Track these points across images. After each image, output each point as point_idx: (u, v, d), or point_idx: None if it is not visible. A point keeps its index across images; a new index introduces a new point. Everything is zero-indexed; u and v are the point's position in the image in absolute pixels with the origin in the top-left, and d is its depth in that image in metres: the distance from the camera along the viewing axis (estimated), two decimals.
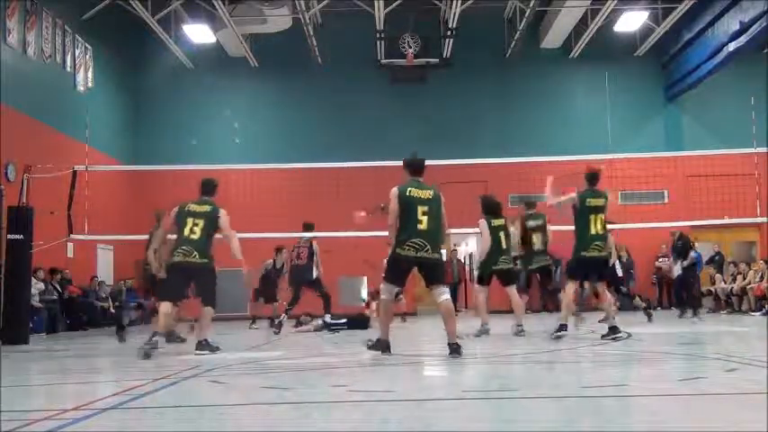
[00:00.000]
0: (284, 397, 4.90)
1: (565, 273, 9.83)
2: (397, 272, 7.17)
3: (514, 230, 10.69)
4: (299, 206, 17.10)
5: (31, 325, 12.01)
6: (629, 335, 9.35)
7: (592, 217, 8.53)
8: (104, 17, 18.20)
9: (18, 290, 11.11)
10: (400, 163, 12.96)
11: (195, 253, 7.86)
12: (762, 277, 15.58)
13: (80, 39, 17.70)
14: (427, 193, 7.04)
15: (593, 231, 8.49)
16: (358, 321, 12.65)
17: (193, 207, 8.16)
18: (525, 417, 4.02)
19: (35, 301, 13.30)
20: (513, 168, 17.09)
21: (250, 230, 13.17)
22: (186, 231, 8.04)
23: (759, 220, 14.20)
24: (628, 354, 7.57)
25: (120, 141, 19.66)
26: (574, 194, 8.71)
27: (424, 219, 6.91)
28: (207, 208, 8.19)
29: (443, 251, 10.76)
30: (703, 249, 16.97)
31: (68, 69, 17.17)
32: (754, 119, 13.34)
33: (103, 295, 16.77)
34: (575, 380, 5.62)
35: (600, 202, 8.63)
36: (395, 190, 7.07)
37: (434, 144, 19.09)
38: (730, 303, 16.20)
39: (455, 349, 6.83)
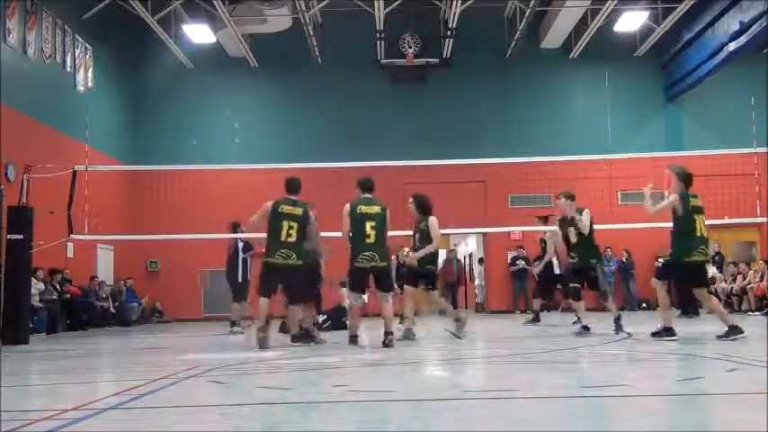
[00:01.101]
0: (284, 397, 4.90)
1: (658, 274, 9.19)
2: (357, 281, 8.52)
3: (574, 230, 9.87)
4: None
5: (31, 325, 12.00)
6: (630, 335, 9.35)
7: (696, 218, 8.22)
8: (104, 17, 18.21)
9: (18, 290, 11.10)
10: (400, 163, 12.98)
11: (294, 255, 8.39)
12: (762, 277, 15.59)
13: (80, 39, 17.70)
14: (374, 209, 8.29)
15: (698, 234, 8.15)
16: (337, 319, 12.69)
17: (287, 209, 8.52)
18: (525, 417, 4.02)
19: (35, 301, 13.29)
20: (513, 168, 17.10)
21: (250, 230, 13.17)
22: (283, 235, 8.47)
23: (759, 220, 14.19)
24: (628, 354, 7.57)
25: (120, 141, 19.66)
26: (674, 197, 8.32)
27: (372, 232, 8.15)
28: (299, 211, 8.61)
29: (443, 250, 10.72)
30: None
31: (68, 69, 17.17)
32: (754, 119, 13.34)
33: (103, 295, 16.77)
34: (575, 380, 5.62)
35: (701, 202, 8.41)
36: (346, 207, 8.37)
37: (434, 144, 19.13)
38: (730, 303, 16.19)
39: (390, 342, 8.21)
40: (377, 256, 8.25)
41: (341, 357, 7.77)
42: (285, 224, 8.34)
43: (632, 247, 19.28)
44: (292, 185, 8.79)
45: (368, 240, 8.16)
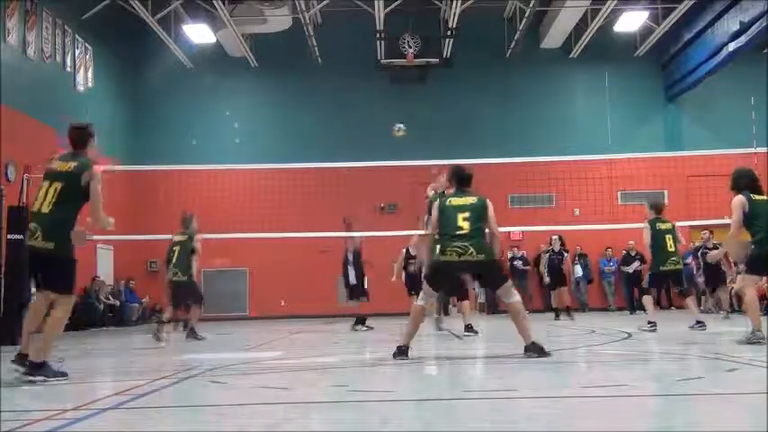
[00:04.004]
0: (284, 397, 4.89)
1: (645, 285, 10.90)
2: (439, 277, 7.14)
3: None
4: (299, 206, 17.12)
5: None
6: (630, 335, 9.36)
7: (665, 237, 10.03)
8: (104, 17, 18.21)
9: (18, 290, 11.10)
10: (400, 163, 12.88)
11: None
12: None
13: (80, 39, 17.71)
14: (469, 200, 7.10)
15: (668, 249, 10.02)
16: None
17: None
18: (525, 417, 4.02)
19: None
20: (513, 168, 17.08)
21: (250, 230, 13.19)
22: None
23: None
24: (628, 354, 7.57)
25: (120, 141, 19.66)
26: (644, 224, 9.95)
27: (466, 224, 6.90)
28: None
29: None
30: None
31: (68, 69, 17.18)
32: (754, 119, 13.36)
33: (104, 295, 16.78)
34: (575, 380, 5.62)
35: (669, 224, 10.22)
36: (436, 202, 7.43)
37: (434, 144, 19.11)
38: (730, 303, 16.18)
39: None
40: (471, 249, 6.81)
41: (341, 357, 7.76)
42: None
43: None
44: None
45: (460, 232, 6.87)
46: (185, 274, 10.69)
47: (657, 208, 10.44)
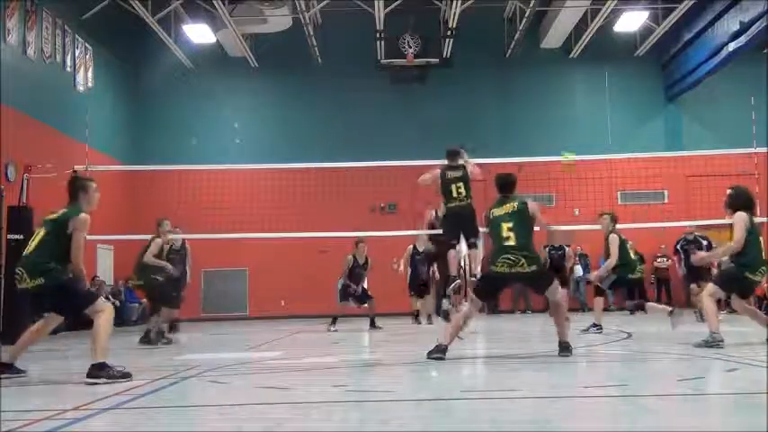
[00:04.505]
0: (284, 397, 4.90)
1: (599, 288, 10.70)
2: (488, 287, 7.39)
3: None
4: (299, 206, 17.11)
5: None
6: (630, 335, 9.36)
7: (627, 247, 10.46)
8: (104, 17, 18.20)
9: (18, 290, 11.09)
10: (400, 163, 12.82)
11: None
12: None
13: (80, 39, 17.70)
14: (508, 208, 7.06)
15: (631, 257, 10.57)
16: None
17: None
18: (525, 417, 4.02)
19: None
20: (514, 168, 17.03)
21: (250, 231, 13.19)
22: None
23: (759, 220, 14.16)
24: (628, 354, 7.57)
25: (120, 141, 19.65)
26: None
27: (511, 234, 6.89)
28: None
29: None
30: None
31: (68, 69, 17.16)
32: (754, 119, 13.32)
33: (103, 295, 16.77)
34: (575, 380, 5.62)
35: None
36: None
37: (434, 144, 18.96)
38: (730, 303, 16.19)
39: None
40: (522, 260, 6.78)
41: (341, 357, 7.77)
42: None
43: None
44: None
45: (507, 243, 6.85)
46: (140, 278, 10.64)
47: (616, 219, 10.79)
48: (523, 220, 6.98)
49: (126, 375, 5.71)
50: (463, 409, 4.29)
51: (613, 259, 10.16)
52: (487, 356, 7.83)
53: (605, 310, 12.46)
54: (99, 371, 5.66)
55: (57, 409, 4.41)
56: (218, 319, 18.24)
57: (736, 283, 7.63)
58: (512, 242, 6.84)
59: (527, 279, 7.03)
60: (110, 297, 17.16)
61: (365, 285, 13.28)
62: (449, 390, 5.29)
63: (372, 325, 12.74)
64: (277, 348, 9.29)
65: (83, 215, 6.18)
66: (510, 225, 6.91)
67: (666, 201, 20.17)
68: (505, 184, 7.26)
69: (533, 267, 6.83)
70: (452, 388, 5.35)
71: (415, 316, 13.83)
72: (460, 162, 9.92)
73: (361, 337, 11.41)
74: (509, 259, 6.81)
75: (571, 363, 6.82)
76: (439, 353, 6.75)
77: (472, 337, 9.70)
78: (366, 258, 13.21)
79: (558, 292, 7.05)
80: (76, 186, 6.50)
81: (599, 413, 4.10)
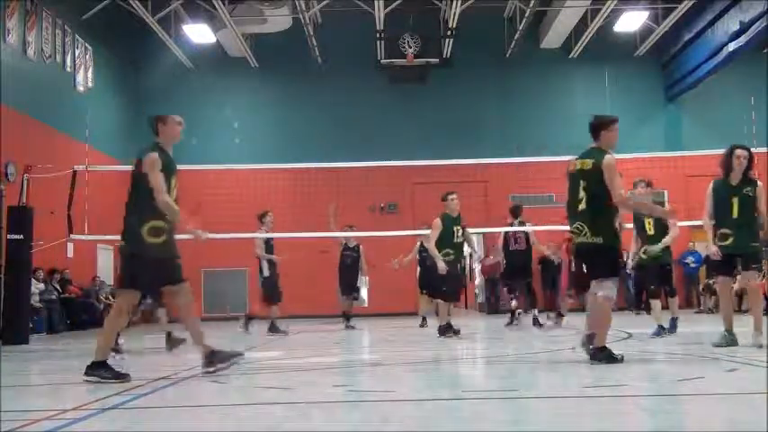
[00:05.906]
0: (284, 397, 4.90)
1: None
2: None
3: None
4: (299, 206, 17.11)
5: (30, 325, 12.00)
6: (630, 335, 9.35)
7: None
8: (104, 17, 18.20)
9: (18, 290, 11.11)
10: (400, 163, 12.76)
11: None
12: (762, 277, 15.56)
13: (80, 39, 17.70)
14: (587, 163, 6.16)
15: None
16: None
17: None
18: (525, 417, 4.02)
19: (35, 301, 13.30)
20: (514, 168, 17.09)
21: (249, 230, 13.18)
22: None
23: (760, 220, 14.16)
24: (628, 354, 7.56)
25: (120, 141, 19.65)
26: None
27: (584, 194, 6.08)
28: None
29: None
30: (703, 249, 16.97)
31: (68, 69, 17.16)
32: (754, 119, 13.33)
33: (104, 295, 16.77)
34: (575, 380, 5.62)
35: None
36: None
37: (434, 144, 19.12)
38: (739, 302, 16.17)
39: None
40: (586, 229, 5.99)
41: (341, 357, 7.77)
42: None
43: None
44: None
45: (579, 207, 6.03)
46: None
47: (651, 183, 9.95)
48: (596, 183, 6.02)
49: (120, 377, 5.69)
50: (463, 409, 4.29)
51: (676, 228, 9.18)
52: (487, 356, 7.83)
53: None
54: (93, 370, 5.71)
55: (57, 409, 4.41)
56: (217, 319, 18.22)
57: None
58: (582, 206, 6.05)
59: (589, 254, 6.08)
60: (110, 297, 17.15)
61: (359, 284, 13.31)
62: (449, 390, 5.29)
63: (347, 321, 12.73)
64: (277, 348, 9.29)
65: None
66: (584, 184, 6.05)
67: (666, 201, 20.15)
68: (593, 127, 6.24)
69: (598, 239, 5.96)
70: (452, 388, 5.35)
71: (423, 319, 13.20)
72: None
73: (361, 336, 11.42)
74: (576, 227, 6.08)
75: (571, 363, 6.82)
76: (603, 353, 6.05)
77: (472, 337, 9.70)
78: (358, 246, 13.32)
79: (604, 289, 6.05)
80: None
81: (599, 413, 4.09)
